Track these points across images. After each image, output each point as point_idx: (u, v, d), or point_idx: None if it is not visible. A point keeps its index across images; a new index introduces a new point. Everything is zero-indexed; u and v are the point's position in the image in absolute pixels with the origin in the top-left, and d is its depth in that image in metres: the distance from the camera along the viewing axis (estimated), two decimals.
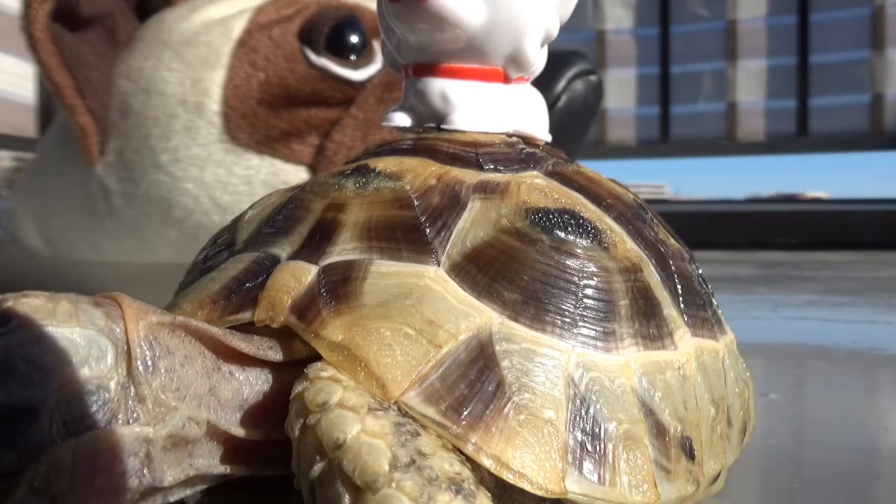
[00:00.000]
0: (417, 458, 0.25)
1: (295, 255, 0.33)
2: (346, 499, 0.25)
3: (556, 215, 0.33)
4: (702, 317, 0.37)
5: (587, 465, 0.28)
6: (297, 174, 0.88)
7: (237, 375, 0.31)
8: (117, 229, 0.92)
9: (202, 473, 0.30)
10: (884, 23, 2.86)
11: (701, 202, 3.57)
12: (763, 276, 1.70)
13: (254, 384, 0.31)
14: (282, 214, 0.35)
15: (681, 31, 3.13)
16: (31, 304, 0.25)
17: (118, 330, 0.27)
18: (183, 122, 0.88)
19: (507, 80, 0.40)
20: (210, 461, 0.30)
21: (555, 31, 0.40)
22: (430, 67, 0.40)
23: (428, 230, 0.32)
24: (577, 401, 0.29)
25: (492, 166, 0.36)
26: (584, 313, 0.31)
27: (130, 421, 0.27)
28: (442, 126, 0.39)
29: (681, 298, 0.36)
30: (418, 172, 0.34)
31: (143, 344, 0.27)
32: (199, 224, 0.89)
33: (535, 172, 0.36)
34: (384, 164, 0.35)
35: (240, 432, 0.30)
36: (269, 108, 0.88)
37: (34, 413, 0.24)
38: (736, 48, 3.06)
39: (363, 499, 0.24)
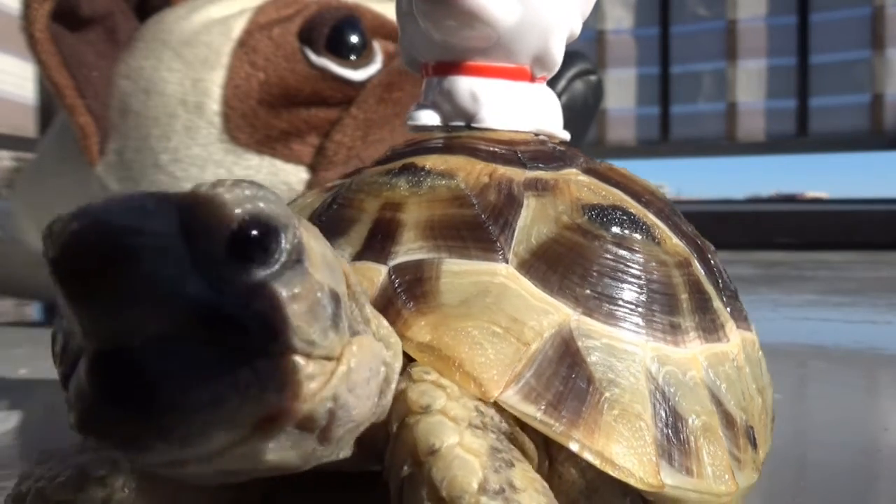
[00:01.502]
0: (507, 488, 0.25)
1: (359, 256, 0.32)
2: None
3: (610, 211, 0.33)
4: (737, 308, 0.38)
5: (676, 458, 0.29)
6: (297, 174, 0.88)
7: None
8: None
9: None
10: (884, 23, 2.86)
11: (701, 202, 3.57)
12: (763, 276, 1.70)
13: None
14: (327, 215, 0.35)
15: (681, 31, 3.13)
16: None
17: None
18: (183, 122, 0.88)
19: (532, 79, 0.40)
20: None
21: (578, 31, 0.40)
22: (456, 66, 0.39)
23: (491, 228, 0.32)
24: (658, 394, 0.30)
25: (534, 164, 0.36)
26: (653, 308, 0.32)
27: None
28: (472, 124, 0.39)
29: (721, 291, 0.37)
30: (468, 170, 0.34)
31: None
32: None
33: (574, 170, 0.36)
34: (431, 162, 0.34)
35: None
36: (269, 108, 0.88)
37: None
38: (736, 48, 3.06)
39: None
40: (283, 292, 0.21)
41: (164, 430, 0.20)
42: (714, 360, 0.33)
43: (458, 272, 0.30)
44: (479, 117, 0.39)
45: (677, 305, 0.32)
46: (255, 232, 0.21)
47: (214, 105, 0.88)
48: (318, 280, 0.23)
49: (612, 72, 3.10)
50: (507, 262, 0.31)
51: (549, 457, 0.29)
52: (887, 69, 2.86)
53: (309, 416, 0.22)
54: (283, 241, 0.22)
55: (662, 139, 3.17)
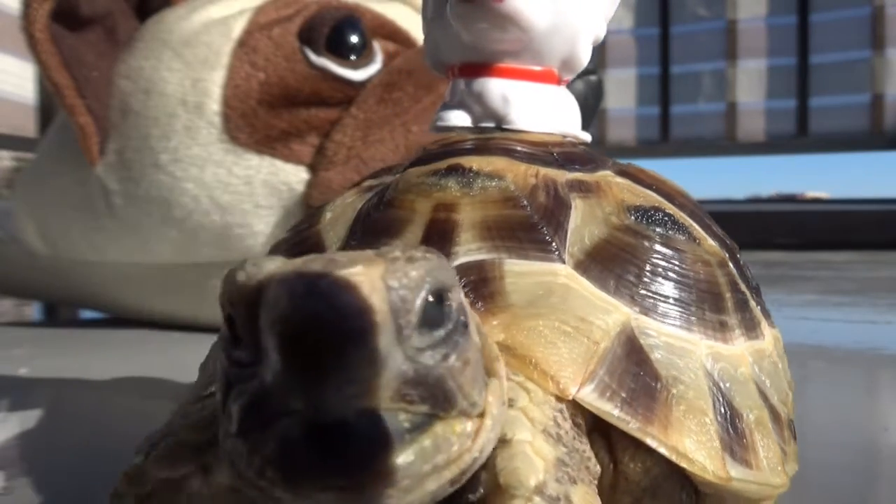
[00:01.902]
0: (563, 500, 0.25)
1: None
2: (482, 490, 0.25)
3: (653, 212, 0.33)
4: (764, 306, 0.38)
5: (737, 452, 0.29)
6: (297, 174, 0.88)
7: None
8: (117, 229, 0.92)
9: None
10: (884, 23, 2.86)
11: (701, 202, 3.56)
12: (763, 276, 1.70)
13: None
14: (374, 216, 0.34)
15: (681, 31, 3.13)
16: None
17: None
18: (183, 122, 0.88)
19: (559, 81, 0.40)
20: None
21: (602, 34, 0.40)
22: (486, 68, 0.40)
23: (545, 229, 0.32)
24: (716, 390, 0.30)
25: (571, 165, 0.36)
26: (703, 306, 0.32)
27: None
28: (503, 126, 0.39)
29: (753, 290, 0.37)
30: (514, 172, 0.34)
31: None
32: (199, 224, 0.89)
33: (608, 172, 0.37)
34: (476, 163, 0.34)
35: None
36: (269, 108, 0.88)
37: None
38: (736, 48, 3.06)
39: (497, 498, 0.24)
40: (458, 359, 0.23)
41: (373, 489, 0.21)
42: (757, 357, 0.34)
43: (521, 272, 0.31)
44: (510, 119, 0.39)
45: (723, 304, 0.33)
46: (439, 300, 0.22)
47: (214, 105, 0.88)
48: (475, 340, 0.24)
49: (612, 72, 3.10)
50: (563, 262, 0.31)
51: (614, 459, 0.29)
52: (887, 69, 2.87)
53: (464, 471, 0.23)
54: (455, 307, 0.23)
55: (662, 139, 3.17)
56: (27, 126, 2.28)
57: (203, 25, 0.92)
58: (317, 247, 0.35)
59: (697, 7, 3.11)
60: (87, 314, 1.15)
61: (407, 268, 0.22)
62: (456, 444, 0.22)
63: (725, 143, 3.11)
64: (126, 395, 0.65)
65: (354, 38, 0.90)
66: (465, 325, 0.23)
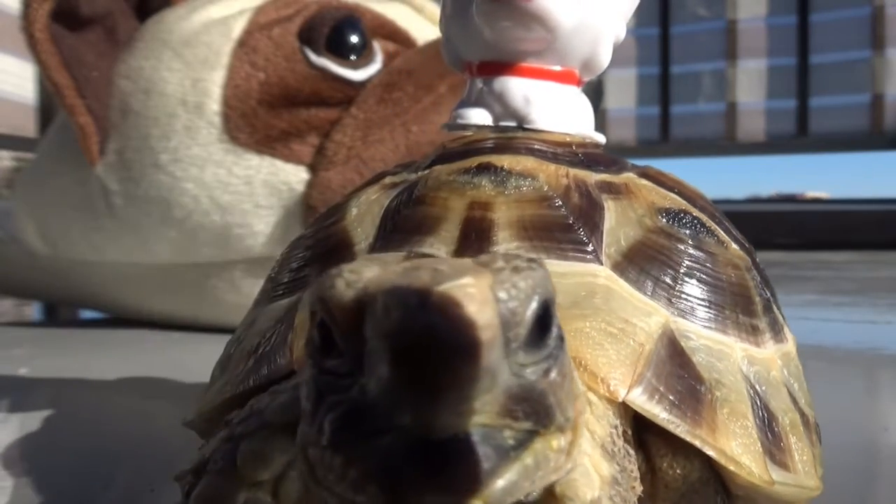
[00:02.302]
0: None
1: (459, 255, 0.31)
2: (534, 494, 0.24)
3: (682, 215, 0.33)
4: (782, 310, 0.39)
5: (776, 455, 0.30)
6: (297, 174, 0.88)
7: None
8: (117, 229, 0.92)
9: None
10: (884, 23, 2.86)
11: None
12: None
13: None
14: (404, 213, 0.34)
15: (681, 31, 3.13)
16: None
17: None
18: (183, 122, 0.88)
19: (579, 82, 0.40)
20: None
21: (622, 35, 0.40)
22: (507, 66, 0.39)
23: (581, 229, 0.32)
24: (753, 393, 0.30)
25: (596, 166, 0.36)
26: (736, 309, 0.32)
27: None
28: (525, 126, 0.39)
29: (773, 293, 0.38)
30: (545, 171, 0.34)
31: None
32: (199, 224, 0.89)
33: (632, 174, 0.36)
34: (507, 161, 0.34)
35: None
36: (269, 108, 0.88)
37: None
38: (736, 48, 3.06)
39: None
40: (559, 374, 0.22)
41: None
42: (785, 360, 0.34)
43: (562, 273, 0.30)
44: (531, 119, 0.39)
45: (753, 307, 0.33)
46: (545, 312, 0.22)
47: (214, 105, 0.88)
48: (568, 353, 0.23)
49: (612, 72, 3.10)
50: (601, 263, 0.31)
51: (651, 467, 0.29)
52: (887, 69, 2.87)
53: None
54: (556, 320, 0.22)
55: (662, 139, 3.17)
56: (27, 126, 2.27)
57: (203, 25, 0.92)
58: (344, 243, 0.35)
59: (697, 7, 3.11)
60: (87, 314, 1.15)
61: (515, 279, 0.21)
62: (553, 460, 0.22)
63: (725, 143, 3.11)
64: (126, 395, 0.65)
65: (354, 38, 0.90)
66: (562, 338, 0.23)
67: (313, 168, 0.88)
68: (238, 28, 0.91)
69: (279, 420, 0.27)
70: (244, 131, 0.87)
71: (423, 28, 0.99)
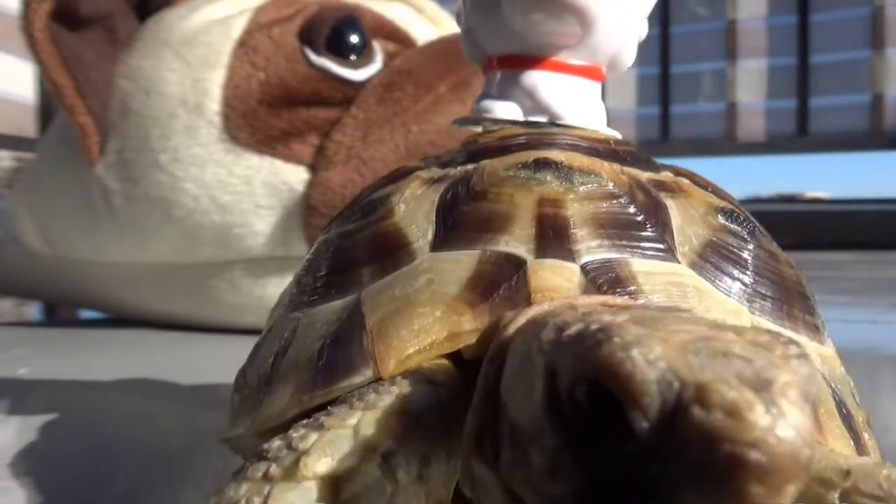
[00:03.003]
0: None
1: (542, 254, 0.31)
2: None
3: (736, 214, 0.33)
4: None
5: (861, 454, 0.30)
6: (297, 174, 0.88)
7: None
8: (117, 229, 0.92)
9: None
10: (884, 23, 2.86)
11: None
12: None
13: None
14: (463, 209, 0.33)
15: (681, 31, 3.13)
16: None
17: None
18: (183, 122, 0.88)
19: (604, 79, 0.40)
20: None
21: (645, 33, 0.40)
22: (535, 60, 0.38)
23: (654, 228, 0.32)
24: (832, 391, 0.31)
25: (637, 164, 0.35)
26: (801, 307, 0.33)
27: None
28: (556, 122, 0.38)
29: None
30: (605, 169, 0.33)
31: None
32: (199, 224, 0.89)
33: (669, 172, 0.36)
34: (565, 157, 0.33)
35: None
36: (269, 108, 0.88)
37: None
38: (736, 48, 3.06)
39: None
40: None
41: None
42: (840, 359, 0.34)
43: (648, 272, 0.30)
44: (562, 114, 0.38)
45: (812, 305, 0.34)
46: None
47: (214, 105, 0.88)
48: None
49: None
50: (678, 262, 0.31)
51: None
52: (887, 69, 2.87)
53: None
54: None
55: (662, 139, 3.17)
56: (27, 126, 2.27)
57: (203, 25, 0.92)
58: (399, 241, 0.33)
59: (697, 7, 3.11)
60: (87, 314, 1.15)
61: (808, 387, 0.19)
62: None
63: (725, 143, 3.11)
64: (126, 395, 0.65)
65: (354, 38, 0.90)
66: None
67: (313, 168, 0.88)
68: (238, 28, 0.91)
69: (374, 442, 0.26)
70: (244, 131, 0.87)
71: (423, 28, 0.99)
